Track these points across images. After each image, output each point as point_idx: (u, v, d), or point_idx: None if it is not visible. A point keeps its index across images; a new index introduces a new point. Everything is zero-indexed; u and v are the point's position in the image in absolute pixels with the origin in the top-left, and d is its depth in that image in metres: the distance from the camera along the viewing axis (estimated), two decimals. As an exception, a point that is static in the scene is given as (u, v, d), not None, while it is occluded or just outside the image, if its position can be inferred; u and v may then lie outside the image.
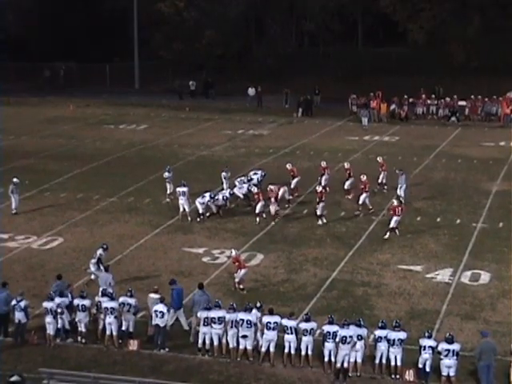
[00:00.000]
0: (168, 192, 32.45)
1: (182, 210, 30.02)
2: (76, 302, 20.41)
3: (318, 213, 29.52)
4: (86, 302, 20.35)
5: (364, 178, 30.75)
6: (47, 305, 20.24)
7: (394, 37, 65.91)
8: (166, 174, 32.79)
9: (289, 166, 33.51)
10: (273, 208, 29.43)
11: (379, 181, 33.37)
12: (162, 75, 65.27)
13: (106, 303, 20.15)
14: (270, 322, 19.13)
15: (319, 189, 29.91)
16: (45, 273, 24.84)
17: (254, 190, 30.37)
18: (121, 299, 20.37)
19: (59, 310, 20.15)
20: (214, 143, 44.39)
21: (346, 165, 33.43)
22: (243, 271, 23.44)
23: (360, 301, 22.87)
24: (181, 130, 48.47)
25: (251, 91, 58.02)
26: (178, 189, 30.16)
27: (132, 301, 20.32)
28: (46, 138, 46.18)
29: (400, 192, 31.56)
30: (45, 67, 65.99)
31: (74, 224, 29.80)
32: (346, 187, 32.55)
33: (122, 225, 29.73)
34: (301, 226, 29.52)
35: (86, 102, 58.20)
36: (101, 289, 21.34)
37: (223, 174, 32.83)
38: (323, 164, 33.97)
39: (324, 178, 33.47)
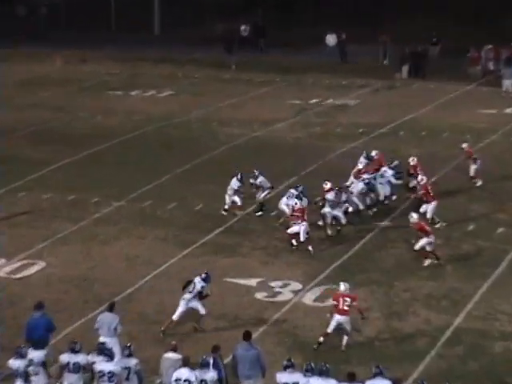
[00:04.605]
0: (239, 203, 31.93)
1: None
2: (65, 358, 20.46)
3: (428, 216, 30.33)
4: (80, 359, 20.40)
5: None
6: (14, 363, 20.32)
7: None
8: (235, 183, 31.80)
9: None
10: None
11: (471, 174, 34.33)
12: (194, 15, 65.65)
13: (102, 365, 20.09)
14: None
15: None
16: (16, 314, 24.98)
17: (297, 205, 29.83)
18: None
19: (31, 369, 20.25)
20: (273, 119, 44.59)
21: (412, 160, 33.47)
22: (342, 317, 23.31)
23: (499, 361, 22.67)
24: (223, 100, 48.81)
25: (331, 39, 58.08)
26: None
27: (132, 362, 20.25)
28: (20, 110, 46.81)
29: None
30: (18, 3, 66.90)
31: (63, 240, 30.10)
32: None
33: (133, 242, 29.97)
34: (406, 245, 29.38)
35: (80, 55, 59.03)
36: (100, 339, 21.44)
37: (293, 190, 32.00)
38: (412, 161, 33.79)
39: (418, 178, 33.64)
